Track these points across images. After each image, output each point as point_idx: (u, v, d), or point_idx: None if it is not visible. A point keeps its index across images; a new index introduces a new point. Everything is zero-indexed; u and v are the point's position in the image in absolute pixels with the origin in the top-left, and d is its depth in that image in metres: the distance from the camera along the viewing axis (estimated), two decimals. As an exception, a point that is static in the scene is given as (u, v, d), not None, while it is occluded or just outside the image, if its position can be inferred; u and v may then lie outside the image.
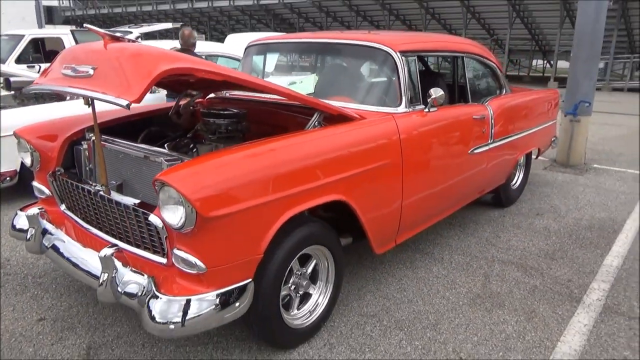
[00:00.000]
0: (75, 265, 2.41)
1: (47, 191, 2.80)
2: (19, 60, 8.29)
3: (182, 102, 3.22)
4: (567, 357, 2.47)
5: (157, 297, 1.99)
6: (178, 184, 1.86)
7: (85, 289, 2.99)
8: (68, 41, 8.78)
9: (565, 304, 2.98)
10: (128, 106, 1.87)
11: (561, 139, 6.31)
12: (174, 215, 1.91)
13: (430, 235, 3.93)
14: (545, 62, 27.46)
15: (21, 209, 2.83)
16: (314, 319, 2.56)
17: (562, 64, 22.77)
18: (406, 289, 3.12)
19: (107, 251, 2.11)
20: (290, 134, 2.43)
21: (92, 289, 2.85)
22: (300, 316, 2.53)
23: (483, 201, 4.53)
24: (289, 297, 2.47)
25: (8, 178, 4.43)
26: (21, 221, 2.75)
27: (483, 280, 3.25)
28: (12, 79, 5.13)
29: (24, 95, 5.35)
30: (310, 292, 2.59)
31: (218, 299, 2.00)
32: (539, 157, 5.30)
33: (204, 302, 1.98)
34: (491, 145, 3.74)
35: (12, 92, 5.42)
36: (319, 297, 2.61)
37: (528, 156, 4.88)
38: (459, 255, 3.63)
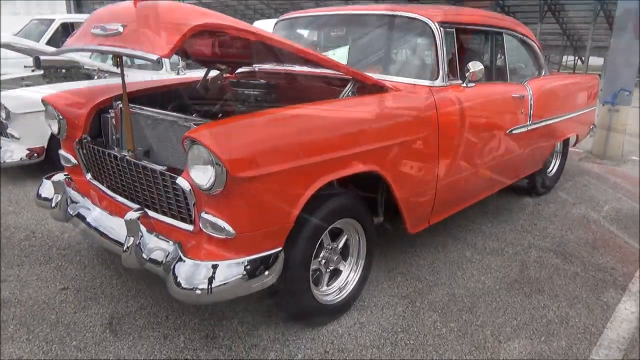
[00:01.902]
0: (100, 232, 2.34)
1: (73, 160, 2.75)
2: (49, 44, 8.36)
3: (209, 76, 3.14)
4: (615, 344, 2.30)
5: (183, 261, 1.91)
6: (209, 142, 1.76)
7: (108, 262, 2.94)
8: (96, 27, 8.85)
9: (609, 291, 2.80)
10: (158, 60, 1.79)
11: (598, 129, 6.04)
12: (203, 175, 1.82)
13: (462, 221, 3.77)
14: (577, 58, 26.73)
15: (47, 178, 2.79)
16: (344, 296, 2.45)
17: (594, 61, 22.11)
18: (439, 272, 2.98)
19: (132, 215, 2.04)
20: (325, 100, 2.32)
21: (115, 261, 2.81)
22: (330, 292, 2.42)
23: (517, 188, 4.32)
24: (318, 272, 2.37)
25: (36, 154, 4.44)
26: (46, 189, 2.70)
27: (520, 266, 3.08)
28: (42, 57, 5.13)
29: (52, 75, 5.37)
30: (341, 268, 2.48)
31: (247, 266, 1.90)
32: (574, 149, 5.07)
33: (232, 269, 1.88)
34: (530, 127, 3.56)
35: (42, 72, 5.44)
36: (349, 274, 2.50)
37: (565, 143, 4.66)
38: (493, 242, 3.46)
